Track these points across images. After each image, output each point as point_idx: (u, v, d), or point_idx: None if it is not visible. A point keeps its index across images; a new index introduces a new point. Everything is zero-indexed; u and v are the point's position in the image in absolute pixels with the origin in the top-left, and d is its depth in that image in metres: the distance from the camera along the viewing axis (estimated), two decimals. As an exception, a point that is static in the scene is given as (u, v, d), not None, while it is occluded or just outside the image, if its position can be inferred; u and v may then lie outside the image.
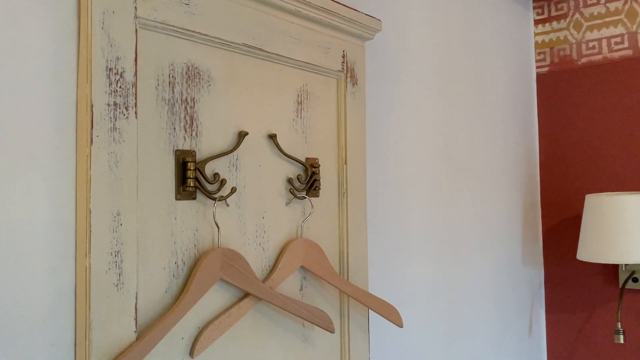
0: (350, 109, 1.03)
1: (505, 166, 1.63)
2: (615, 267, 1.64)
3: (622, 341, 1.46)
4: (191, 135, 0.78)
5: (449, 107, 1.40)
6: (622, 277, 1.60)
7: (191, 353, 0.76)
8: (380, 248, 1.17)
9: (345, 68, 1.02)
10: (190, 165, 0.76)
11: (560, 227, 1.76)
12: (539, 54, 1.82)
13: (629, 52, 1.65)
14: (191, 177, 0.76)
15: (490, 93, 1.59)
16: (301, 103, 0.95)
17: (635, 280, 1.59)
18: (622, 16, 1.66)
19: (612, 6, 1.68)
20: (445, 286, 1.36)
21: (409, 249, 1.25)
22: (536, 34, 1.83)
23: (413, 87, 1.29)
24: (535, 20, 1.83)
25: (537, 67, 1.82)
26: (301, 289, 0.93)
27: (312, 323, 0.90)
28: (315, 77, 0.97)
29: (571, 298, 1.72)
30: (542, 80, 1.81)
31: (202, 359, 0.78)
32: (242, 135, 0.84)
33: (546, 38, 1.81)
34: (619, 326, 1.47)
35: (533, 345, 1.70)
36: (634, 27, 1.64)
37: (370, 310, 1.04)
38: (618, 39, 1.67)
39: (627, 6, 1.66)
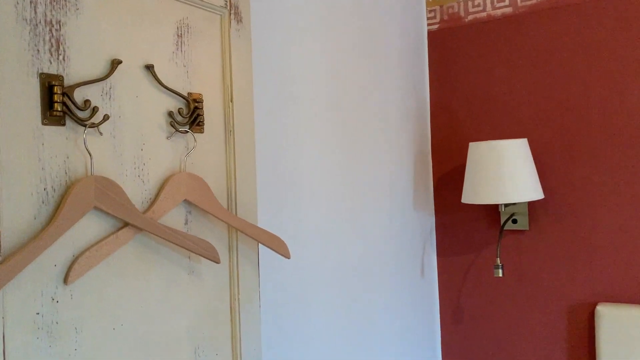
0: (235, 47, 1.03)
1: (397, 117, 1.71)
2: (497, 211, 1.77)
3: (501, 275, 1.59)
4: (58, 59, 0.75)
5: (340, 56, 1.44)
6: (503, 218, 1.74)
7: (65, 280, 0.75)
8: (273, 188, 1.19)
9: (228, 4, 1.02)
10: (57, 90, 0.73)
11: (449, 175, 1.87)
12: (430, 11, 1.90)
13: (510, 10, 1.76)
14: (58, 102, 0.73)
15: (383, 47, 1.64)
16: (181, 36, 0.94)
17: (514, 221, 1.73)
18: (503, -25, 1.77)
19: (494, -34, 1.78)
20: (340, 230, 1.41)
21: (303, 191, 1.28)
22: (427, -8, 1.90)
23: (303, 33, 1.31)
24: (426, -21, 1.91)
25: (428, 25, 1.90)
26: (186, 223, 0.94)
27: (196, 254, 0.91)
28: (196, 11, 0.96)
29: (460, 241, 1.84)
30: (433, 36, 1.89)
31: (80, 288, 0.77)
32: (115, 63, 0.82)
33: (436, -4, 1.89)
34: (498, 262, 1.60)
35: (425, 285, 1.81)
36: (514, -14, 1.75)
37: (259, 243, 1.07)
38: (500, -3, 1.78)
39: (507, -34, 1.76)
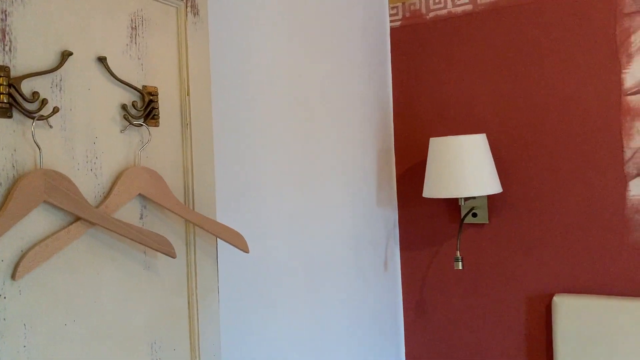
0: (192, 40, 1.02)
1: (361, 114, 1.72)
2: (458, 205, 1.80)
3: (460, 267, 1.62)
4: (4, 50, 0.74)
5: (301, 51, 1.44)
6: (463, 212, 1.77)
7: (13, 276, 0.73)
8: (232, 182, 1.19)
9: (184, -3, 1.01)
10: (3, 81, 0.72)
11: (412, 170, 1.89)
12: (392, 8, 1.92)
13: (470, 7, 1.79)
14: (4, 93, 0.72)
15: (346, 44, 1.65)
16: (136, 29, 0.92)
17: (474, 215, 1.76)
18: (463, -27, 1.80)
19: (454, -36, 1.81)
20: (302, 225, 1.41)
21: (263, 185, 1.28)
22: (390, -11, 1.92)
23: (264, 27, 1.30)
24: (388, -24, 1.92)
25: (391, 22, 1.92)
26: (141, 218, 0.93)
27: (151, 248, 0.90)
28: (151, 3, 0.95)
29: (422, 235, 1.87)
30: (395, 33, 1.91)
31: (29, 284, 0.75)
32: (65, 55, 0.80)
33: (398, -7, 1.91)
34: (458, 254, 1.63)
35: (389, 278, 1.83)
36: (473, -16, 1.78)
37: (218, 238, 1.06)
38: (460, -5, 1.81)
39: (467, -36, 1.79)
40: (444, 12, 1.83)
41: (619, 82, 1.58)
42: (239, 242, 1.03)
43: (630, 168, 1.57)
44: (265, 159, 1.30)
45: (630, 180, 1.57)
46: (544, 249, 1.68)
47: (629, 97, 1.57)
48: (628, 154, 1.58)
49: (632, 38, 1.57)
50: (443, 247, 1.84)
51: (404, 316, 1.91)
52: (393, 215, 1.89)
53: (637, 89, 1.56)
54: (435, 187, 1.60)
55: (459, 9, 1.81)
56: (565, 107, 1.65)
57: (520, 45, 1.70)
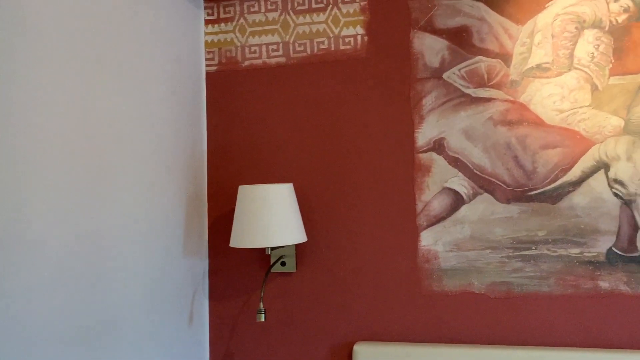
0: None
1: (169, 157, 1.64)
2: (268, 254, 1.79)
3: (263, 319, 1.60)
4: None
5: (93, 87, 1.33)
6: (272, 261, 1.76)
7: None
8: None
9: None
10: None
11: (225, 218, 1.85)
12: (209, 53, 1.89)
13: (283, 60, 1.83)
14: None
15: (153, 88, 1.58)
16: None
17: (283, 264, 1.76)
18: (277, 26, 1.84)
19: (270, 16, 1.85)
20: (81, 281, 1.28)
21: (30, 231, 1.14)
22: (206, 34, 1.90)
23: (40, 59, 1.19)
24: (205, 20, 1.90)
25: (207, 66, 1.89)
26: None
27: None
28: None
29: (232, 285, 1.82)
30: (211, 78, 1.89)
31: None
32: None
33: (215, 38, 1.89)
34: (261, 306, 1.60)
35: (195, 332, 1.74)
36: (287, 37, 1.83)
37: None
38: (274, 47, 1.84)
39: (282, 17, 1.84)
40: (259, 61, 1.85)
41: (413, 140, 1.71)
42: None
43: (421, 220, 1.69)
44: (32, 203, 1.16)
45: (422, 231, 1.69)
46: (346, 297, 1.72)
47: (420, 155, 1.70)
48: (420, 206, 1.70)
49: (424, 101, 1.71)
50: (252, 297, 1.80)
51: (210, 371, 1.83)
52: (202, 264, 1.82)
53: (427, 147, 1.70)
54: (242, 236, 1.57)
55: (273, 60, 1.84)
56: (366, 161, 1.74)
57: (327, 100, 1.77)
